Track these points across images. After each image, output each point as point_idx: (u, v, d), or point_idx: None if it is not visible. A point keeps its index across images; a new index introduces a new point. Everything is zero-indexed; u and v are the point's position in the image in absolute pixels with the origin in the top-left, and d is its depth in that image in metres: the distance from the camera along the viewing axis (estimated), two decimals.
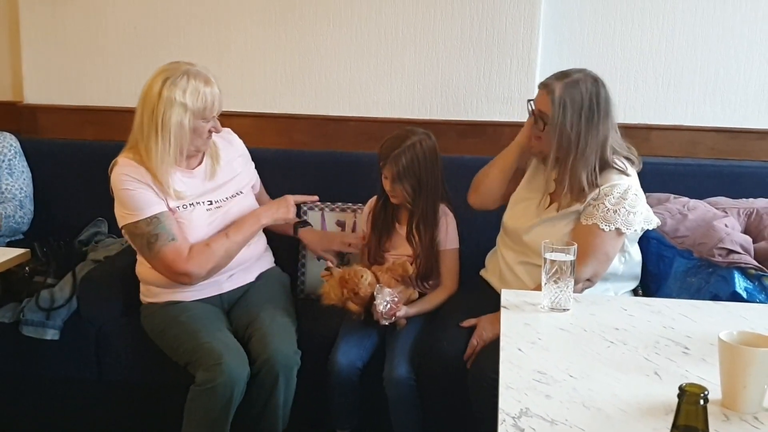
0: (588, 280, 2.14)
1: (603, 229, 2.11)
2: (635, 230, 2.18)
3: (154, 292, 2.38)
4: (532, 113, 2.20)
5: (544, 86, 2.15)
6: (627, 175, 2.15)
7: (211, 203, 2.34)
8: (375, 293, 2.25)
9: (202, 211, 2.31)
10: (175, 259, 2.22)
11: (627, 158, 2.18)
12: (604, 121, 2.12)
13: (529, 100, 2.22)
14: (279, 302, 2.40)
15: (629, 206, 2.11)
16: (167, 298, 2.34)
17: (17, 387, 2.59)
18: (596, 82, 2.13)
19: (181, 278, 2.26)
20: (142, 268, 2.38)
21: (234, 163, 2.44)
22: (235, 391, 2.11)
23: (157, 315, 2.34)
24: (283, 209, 2.41)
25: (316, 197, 2.51)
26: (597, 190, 2.12)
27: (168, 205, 2.26)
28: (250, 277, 2.45)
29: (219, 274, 2.34)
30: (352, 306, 2.29)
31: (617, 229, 2.12)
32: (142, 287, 2.43)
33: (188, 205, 2.30)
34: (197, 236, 2.28)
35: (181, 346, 2.22)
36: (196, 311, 2.30)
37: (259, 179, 2.58)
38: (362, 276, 2.26)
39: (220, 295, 2.38)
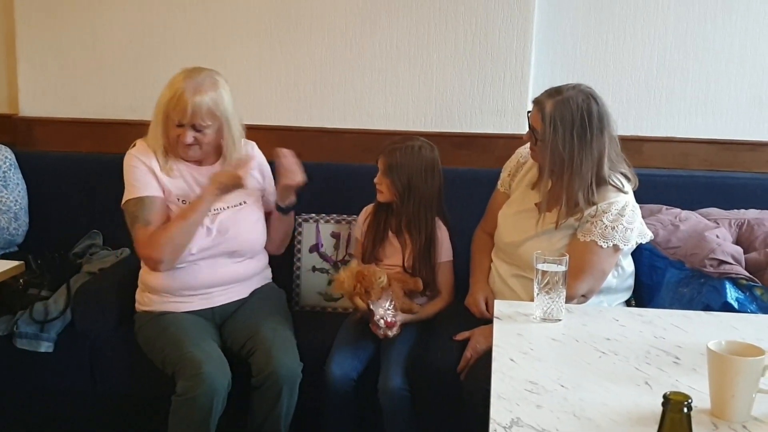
0: (583, 296, 2.14)
1: (601, 246, 2.11)
2: (632, 245, 2.18)
3: (149, 300, 2.38)
4: (528, 127, 2.20)
5: (537, 103, 2.14)
6: (624, 192, 2.14)
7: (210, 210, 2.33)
8: (370, 306, 2.26)
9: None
10: (141, 243, 2.27)
11: (623, 174, 2.17)
12: (599, 138, 2.09)
13: (528, 112, 2.22)
14: (278, 316, 2.40)
15: (627, 222, 2.11)
16: (160, 308, 2.36)
17: (11, 400, 2.58)
18: (589, 98, 2.10)
19: (148, 263, 2.30)
20: (145, 273, 2.39)
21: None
22: (215, 400, 2.12)
23: (148, 326, 2.35)
24: (233, 178, 2.28)
25: (250, 160, 2.37)
26: (594, 207, 2.11)
27: (165, 194, 2.32)
28: (244, 293, 2.44)
29: (211, 288, 2.35)
30: (358, 302, 2.30)
31: (614, 245, 2.12)
32: (137, 295, 2.44)
33: (188, 203, 2.33)
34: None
35: (168, 356, 2.23)
36: (185, 323, 2.31)
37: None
38: (379, 277, 2.29)
39: (211, 308, 2.38)
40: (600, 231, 2.10)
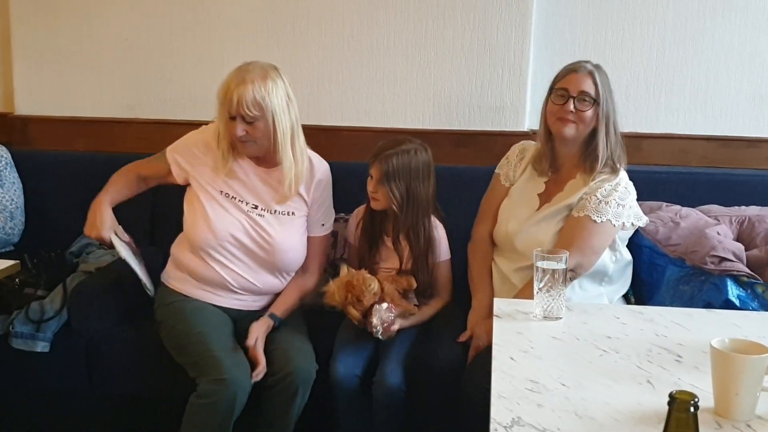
0: (572, 270, 2.13)
1: (594, 221, 2.15)
2: (623, 223, 2.20)
3: (179, 277, 2.38)
4: (570, 97, 2.19)
5: (582, 68, 2.22)
6: (618, 171, 2.21)
7: (255, 207, 2.33)
8: (373, 311, 2.25)
9: (242, 209, 2.32)
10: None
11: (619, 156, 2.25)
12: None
13: (555, 88, 2.24)
14: (294, 319, 2.40)
15: (619, 198, 2.17)
16: (189, 291, 2.35)
17: (6, 400, 2.56)
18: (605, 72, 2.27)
19: None
20: (179, 249, 2.39)
21: (302, 187, 2.38)
22: (237, 404, 2.12)
23: (172, 307, 2.34)
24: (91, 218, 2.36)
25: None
26: (589, 186, 2.19)
27: (207, 185, 2.33)
28: (257, 306, 2.41)
29: (245, 292, 2.35)
30: (352, 311, 2.28)
31: (608, 221, 2.16)
32: (168, 266, 2.43)
33: (231, 197, 2.32)
34: (223, 224, 2.29)
35: (188, 347, 2.22)
36: (210, 317, 2.30)
37: (326, 226, 2.47)
38: (369, 285, 2.26)
39: (238, 310, 2.37)
40: (594, 206, 2.16)
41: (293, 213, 2.36)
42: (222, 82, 2.24)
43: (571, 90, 2.20)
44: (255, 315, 2.35)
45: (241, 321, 2.36)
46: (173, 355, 2.27)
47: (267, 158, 2.34)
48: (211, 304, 2.35)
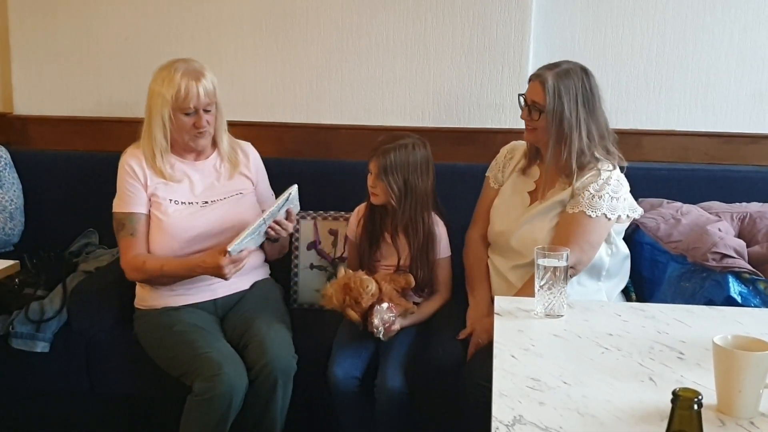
0: (572, 267, 2.13)
1: (590, 216, 2.14)
2: (619, 215, 2.20)
3: (149, 295, 2.37)
4: (525, 105, 2.22)
5: (536, 77, 2.20)
6: (609, 165, 2.20)
7: (206, 203, 2.38)
8: (374, 312, 2.24)
9: (194, 209, 2.36)
10: (123, 251, 2.36)
11: (609, 150, 2.23)
12: (600, 107, 2.20)
13: (520, 95, 2.26)
14: (273, 310, 2.39)
15: (612, 191, 2.16)
16: (161, 303, 2.35)
17: (7, 400, 2.56)
18: (585, 71, 2.20)
19: (128, 276, 2.38)
20: (137, 274, 2.37)
21: (244, 170, 2.50)
22: (234, 401, 2.11)
23: (152, 324, 2.34)
24: (217, 274, 2.24)
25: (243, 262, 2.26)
26: (581, 181, 2.17)
27: (156, 199, 2.35)
28: (245, 285, 2.44)
29: (212, 280, 2.34)
30: (351, 313, 2.27)
31: (603, 215, 2.15)
32: (137, 290, 2.43)
33: (180, 203, 2.36)
34: (183, 231, 2.32)
35: (177, 356, 2.22)
36: (191, 320, 2.29)
37: (270, 193, 2.58)
38: (367, 286, 2.25)
39: (214, 300, 2.38)
40: (587, 201, 2.15)
41: (241, 193, 2.44)
42: (166, 85, 2.27)
43: (527, 99, 2.23)
44: (239, 301, 2.38)
45: (227, 316, 2.38)
46: (168, 371, 2.26)
47: (201, 149, 2.43)
48: (192, 305, 2.35)
